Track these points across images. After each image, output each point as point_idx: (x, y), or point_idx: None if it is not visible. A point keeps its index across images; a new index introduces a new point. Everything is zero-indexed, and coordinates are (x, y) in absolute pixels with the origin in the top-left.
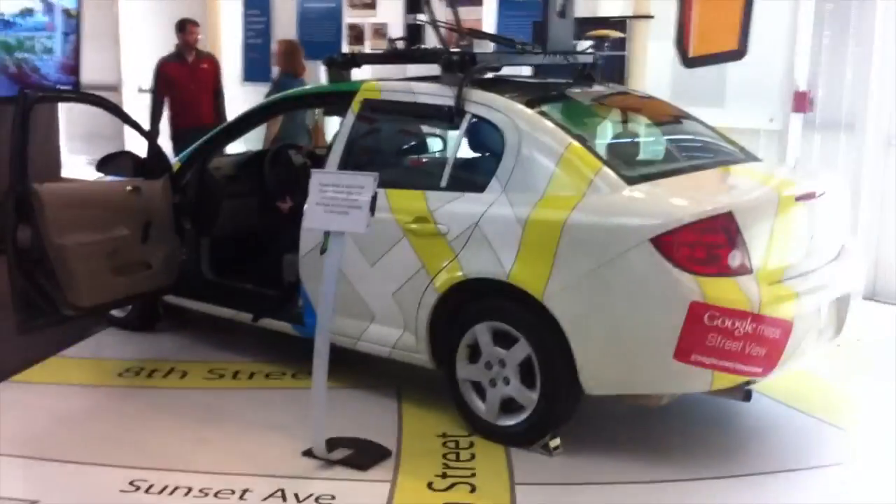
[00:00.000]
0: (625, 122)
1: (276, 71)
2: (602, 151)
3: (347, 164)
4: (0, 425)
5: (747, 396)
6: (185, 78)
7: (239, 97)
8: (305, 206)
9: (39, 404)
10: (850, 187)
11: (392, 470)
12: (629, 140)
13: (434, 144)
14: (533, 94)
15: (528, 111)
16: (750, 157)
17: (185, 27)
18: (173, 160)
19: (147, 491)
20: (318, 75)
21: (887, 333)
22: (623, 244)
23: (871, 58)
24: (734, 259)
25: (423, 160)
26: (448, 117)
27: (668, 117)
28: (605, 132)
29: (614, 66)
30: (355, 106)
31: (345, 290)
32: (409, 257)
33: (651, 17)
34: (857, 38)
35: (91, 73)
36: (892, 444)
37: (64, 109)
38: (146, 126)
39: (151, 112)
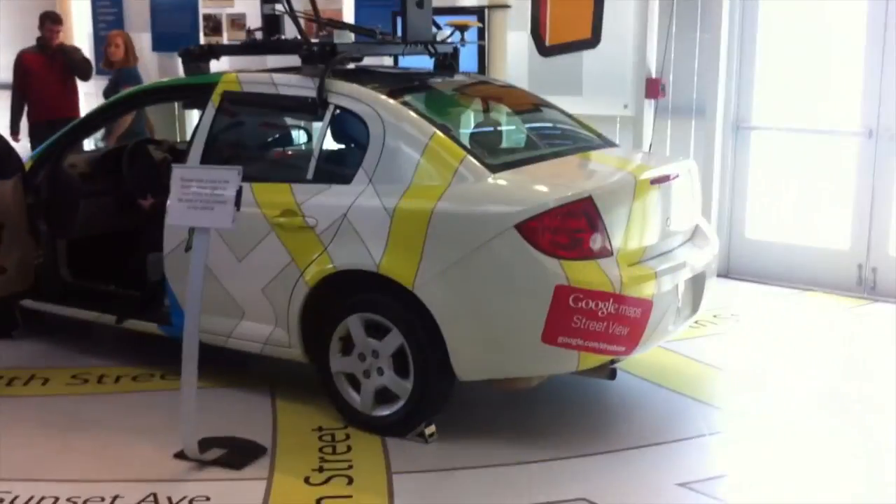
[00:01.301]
0: (486, 111)
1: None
2: (465, 140)
3: (209, 158)
4: None
5: (613, 375)
6: (43, 69)
7: (91, 91)
8: (168, 203)
9: None
10: (702, 169)
11: (268, 467)
12: (491, 129)
13: (298, 137)
14: (395, 85)
15: (392, 102)
16: (607, 144)
17: (42, 24)
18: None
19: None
20: (171, 69)
21: (740, 309)
22: (488, 231)
23: (717, 45)
24: (595, 242)
25: (288, 153)
26: (311, 109)
27: (528, 106)
28: (468, 121)
29: (474, 56)
30: (215, 98)
31: (213, 287)
32: (278, 251)
33: (508, 6)
34: (704, 25)
35: None
36: (751, 415)
37: None
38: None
39: (11, 106)
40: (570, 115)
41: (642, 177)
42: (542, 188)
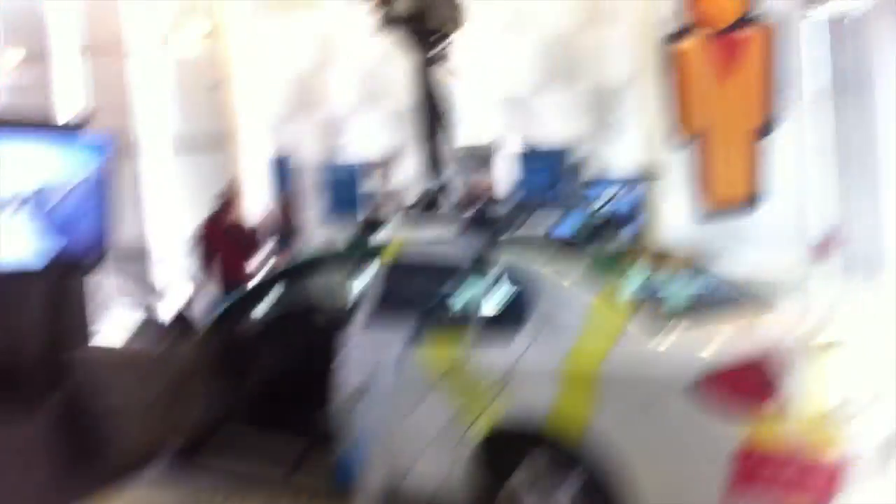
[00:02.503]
0: (647, 272)
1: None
2: (630, 300)
3: (375, 321)
4: None
5: None
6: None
7: None
8: (339, 364)
9: None
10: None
11: None
12: (653, 290)
13: (462, 298)
14: (553, 249)
15: (551, 265)
16: (775, 302)
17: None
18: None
19: None
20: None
21: None
22: (658, 393)
23: None
24: (775, 401)
25: (453, 313)
26: (475, 272)
27: (689, 267)
28: (629, 283)
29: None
30: (382, 264)
31: (382, 440)
32: (445, 406)
33: (657, 178)
34: None
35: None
36: None
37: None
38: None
39: (196, 271)
40: (734, 274)
41: (817, 337)
42: (714, 347)
